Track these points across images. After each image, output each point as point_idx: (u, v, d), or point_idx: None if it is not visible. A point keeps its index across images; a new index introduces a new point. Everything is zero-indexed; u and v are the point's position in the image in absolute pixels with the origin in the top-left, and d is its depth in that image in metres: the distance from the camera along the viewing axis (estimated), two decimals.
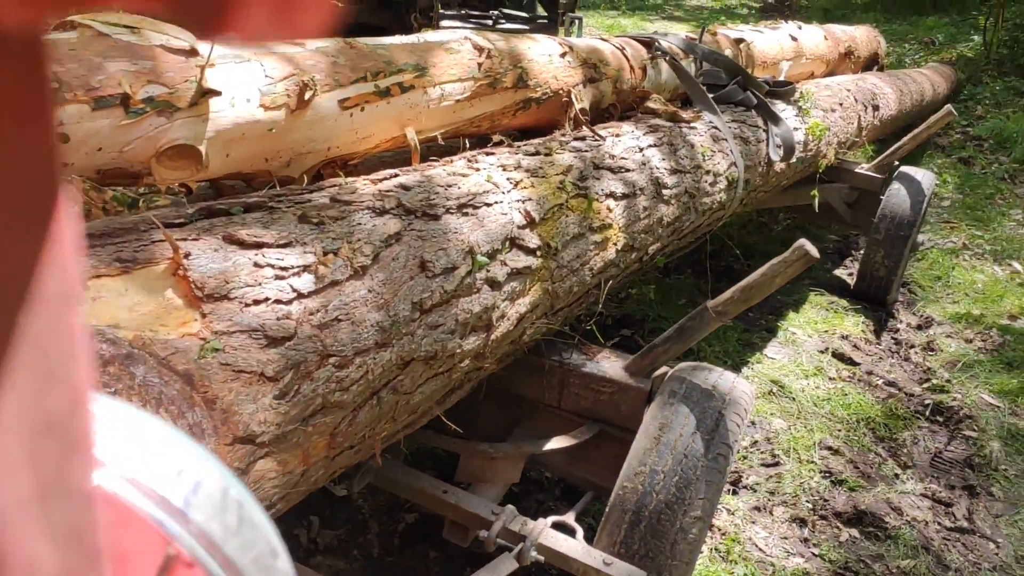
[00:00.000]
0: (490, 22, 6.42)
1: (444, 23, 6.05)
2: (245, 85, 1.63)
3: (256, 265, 1.24)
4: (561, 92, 2.57)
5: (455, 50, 2.22)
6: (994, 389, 3.75)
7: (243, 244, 1.26)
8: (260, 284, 1.22)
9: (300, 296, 1.26)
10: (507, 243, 1.77)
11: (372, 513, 2.64)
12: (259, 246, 1.27)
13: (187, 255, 1.16)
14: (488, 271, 1.69)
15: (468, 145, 2.24)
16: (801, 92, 3.88)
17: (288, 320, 1.22)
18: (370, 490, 2.46)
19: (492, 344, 1.75)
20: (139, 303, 1.07)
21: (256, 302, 1.20)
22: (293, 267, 1.28)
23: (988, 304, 4.67)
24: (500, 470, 2.21)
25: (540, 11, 7.40)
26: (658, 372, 2.15)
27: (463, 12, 6.58)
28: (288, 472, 1.24)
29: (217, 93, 1.55)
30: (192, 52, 1.56)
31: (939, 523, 2.87)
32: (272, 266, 1.26)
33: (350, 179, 1.68)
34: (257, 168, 1.77)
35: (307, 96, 1.71)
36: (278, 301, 1.23)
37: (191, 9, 0.24)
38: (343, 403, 1.31)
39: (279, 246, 1.30)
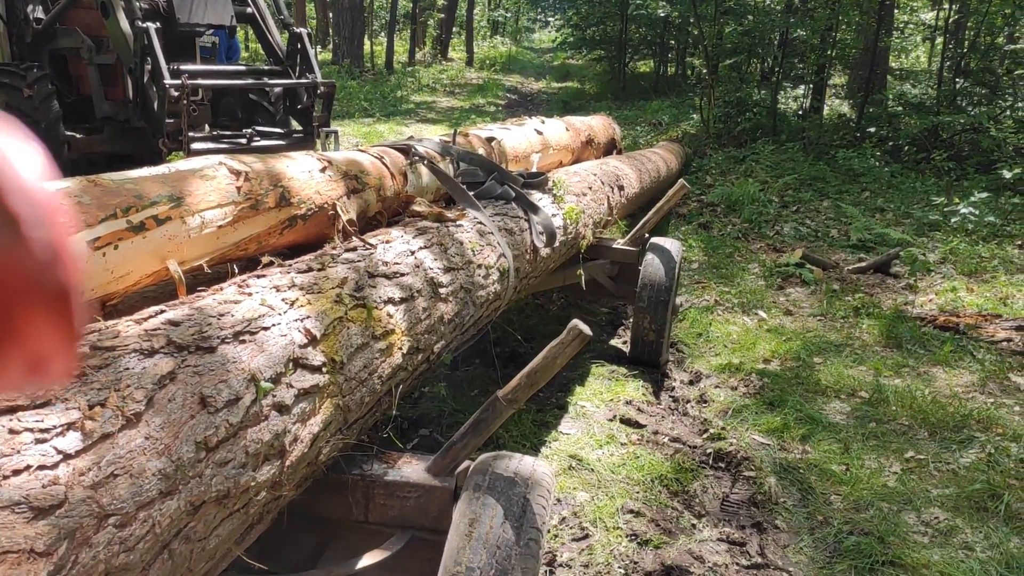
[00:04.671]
0: (244, 141, 6.34)
1: (195, 146, 5.91)
2: None
3: (11, 432, 1.13)
4: (326, 206, 2.59)
5: (211, 176, 2.18)
6: (762, 429, 4.11)
7: None
8: (18, 452, 1.11)
9: (67, 457, 1.16)
10: (291, 364, 1.74)
11: None
12: (12, 411, 1.16)
13: None
14: (274, 396, 1.65)
15: (236, 270, 2.19)
16: (553, 181, 4.16)
17: (56, 485, 1.12)
18: None
19: (288, 470, 1.69)
20: None
21: (16, 472, 1.09)
22: (55, 427, 1.18)
23: (744, 352, 5.15)
24: None
25: (295, 126, 7.43)
26: (460, 468, 2.16)
27: (215, 133, 6.47)
28: None
29: None
30: None
31: (737, 563, 3.06)
32: (31, 430, 1.15)
33: (111, 322, 1.58)
34: None
35: None
36: (42, 467, 1.12)
37: None
38: (129, 565, 1.21)
39: (36, 407, 1.19)
